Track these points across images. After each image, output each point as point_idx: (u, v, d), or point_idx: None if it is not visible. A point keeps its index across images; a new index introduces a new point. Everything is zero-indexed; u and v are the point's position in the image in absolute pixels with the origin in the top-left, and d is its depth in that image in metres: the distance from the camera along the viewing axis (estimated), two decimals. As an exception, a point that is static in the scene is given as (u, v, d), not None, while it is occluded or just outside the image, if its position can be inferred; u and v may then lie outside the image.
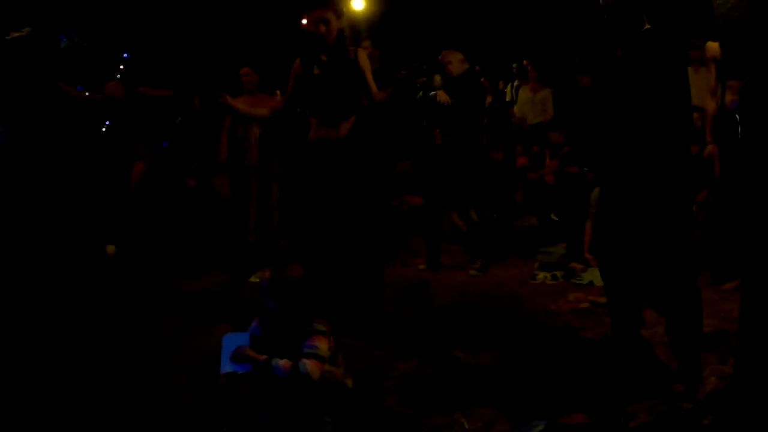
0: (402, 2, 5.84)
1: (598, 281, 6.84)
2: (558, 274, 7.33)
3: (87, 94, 10.46)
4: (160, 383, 5.10)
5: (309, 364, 3.81)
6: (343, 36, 5.90)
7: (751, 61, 3.68)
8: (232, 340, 4.11)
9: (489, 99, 13.47)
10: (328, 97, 5.91)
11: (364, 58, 5.94)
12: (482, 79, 14.19)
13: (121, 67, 28.23)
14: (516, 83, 13.78)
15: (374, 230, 6.06)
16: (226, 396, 4.73)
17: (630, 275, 4.56)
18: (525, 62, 12.85)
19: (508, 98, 14.11)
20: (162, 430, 4.45)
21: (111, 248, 6.68)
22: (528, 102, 12.33)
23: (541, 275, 7.37)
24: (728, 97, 6.58)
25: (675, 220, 4.34)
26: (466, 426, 4.17)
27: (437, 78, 8.57)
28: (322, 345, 3.92)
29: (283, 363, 3.84)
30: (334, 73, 5.89)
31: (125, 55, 26.71)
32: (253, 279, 7.87)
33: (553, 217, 9.23)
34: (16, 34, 5.22)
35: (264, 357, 3.90)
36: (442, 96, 7.97)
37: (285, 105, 6.48)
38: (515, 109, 12.71)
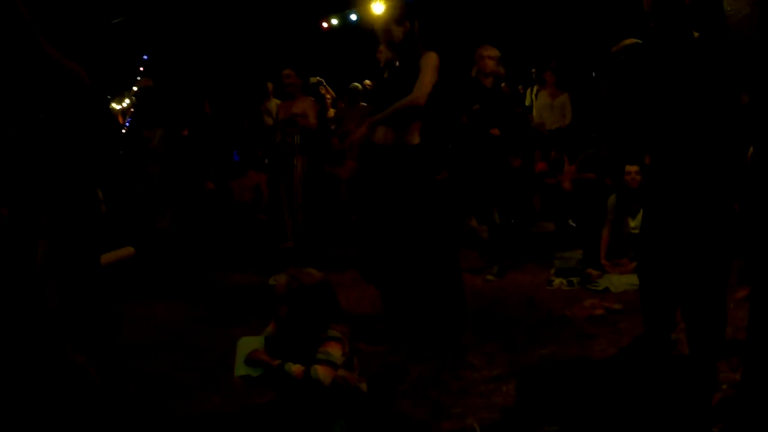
0: (421, 8, 5.87)
1: (614, 288, 6.90)
2: (574, 280, 7.33)
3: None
4: (170, 386, 5.17)
5: (320, 370, 3.83)
6: (412, 40, 5.78)
7: (760, 71, 3.70)
8: (247, 344, 4.14)
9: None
10: (390, 102, 5.75)
11: (426, 58, 5.75)
12: (503, 85, 14.22)
13: (141, 69, 28.39)
14: (535, 88, 13.78)
15: (449, 238, 5.99)
16: (239, 399, 4.79)
17: (669, 277, 4.57)
18: (551, 62, 12.85)
19: (527, 103, 14.12)
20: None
21: (129, 249, 6.74)
22: (546, 107, 12.33)
23: (557, 281, 7.37)
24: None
25: (720, 227, 4.36)
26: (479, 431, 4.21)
27: None
28: (335, 351, 3.93)
29: (295, 368, 3.86)
30: (400, 77, 5.78)
31: (145, 57, 26.88)
32: (271, 281, 7.90)
33: (571, 223, 9.25)
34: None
35: (277, 361, 3.92)
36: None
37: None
38: (533, 114, 12.72)
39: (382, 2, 13.53)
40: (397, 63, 5.87)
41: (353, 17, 16.33)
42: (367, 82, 11.45)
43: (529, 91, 14.40)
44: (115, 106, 34.64)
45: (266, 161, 11.34)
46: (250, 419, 4.51)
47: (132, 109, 25.94)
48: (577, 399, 4.51)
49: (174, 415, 4.71)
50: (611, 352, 5.38)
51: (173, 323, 6.77)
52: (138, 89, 9.66)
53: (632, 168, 7.56)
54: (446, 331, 5.70)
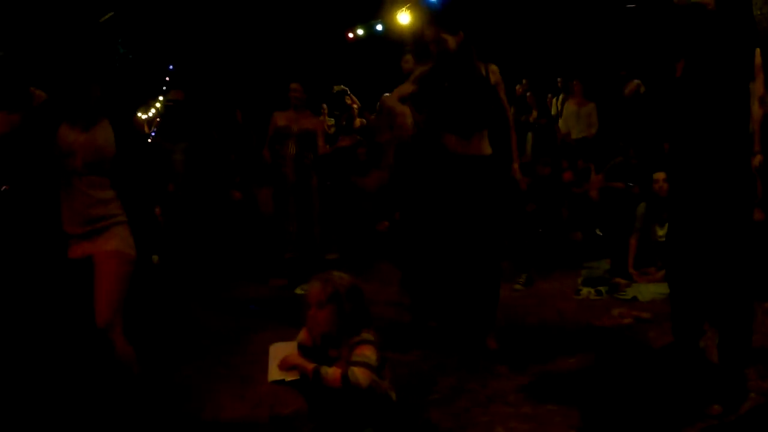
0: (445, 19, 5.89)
1: (642, 297, 6.88)
2: (602, 289, 7.30)
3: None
4: (198, 394, 5.20)
5: (359, 372, 3.79)
6: (468, 51, 5.72)
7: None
8: (280, 349, 4.12)
9: (534, 114, 13.47)
10: (460, 112, 5.71)
11: (495, 71, 5.82)
12: (528, 94, 14.21)
13: (167, 78, 28.51)
14: (561, 97, 13.77)
15: (499, 248, 6.01)
16: (266, 407, 4.81)
17: (698, 285, 4.57)
18: (578, 72, 12.86)
19: (553, 112, 14.10)
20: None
21: (154, 258, 6.77)
22: (573, 116, 12.33)
23: (585, 290, 7.35)
24: None
25: (740, 231, 4.36)
26: (508, 441, 4.21)
27: None
28: (371, 354, 3.90)
29: (332, 371, 3.83)
30: (463, 87, 5.71)
31: (170, 66, 26.97)
32: (298, 291, 7.92)
33: (598, 232, 9.22)
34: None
35: (312, 366, 3.89)
36: None
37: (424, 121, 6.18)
38: (560, 123, 12.71)
39: (409, 13, 13.52)
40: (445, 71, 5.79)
41: (379, 27, 16.32)
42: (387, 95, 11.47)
43: (554, 100, 14.39)
44: (141, 115, 34.85)
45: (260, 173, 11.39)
46: (279, 427, 4.55)
47: (158, 119, 26.07)
48: (605, 408, 4.50)
49: (203, 423, 4.74)
50: (640, 361, 5.35)
51: (198, 331, 6.80)
52: (167, 101, 9.64)
53: (660, 176, 7.54)
54: (476, 338, 5.69)
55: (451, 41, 5.71)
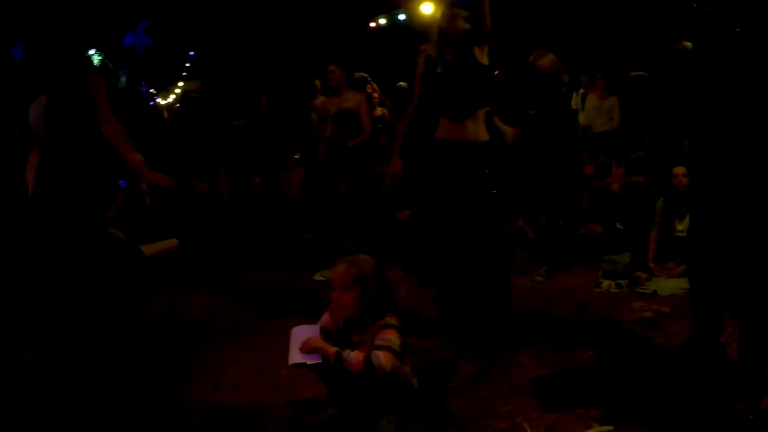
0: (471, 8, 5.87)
1: (662, 291, 6.87)
2: (622, 282, 7.29)
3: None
4: (218, 379, 5.21)
5: (382, 356, 3.81)
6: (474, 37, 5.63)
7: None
8: (302, 332, 4.15)
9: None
10: (455, 96, 5.65)
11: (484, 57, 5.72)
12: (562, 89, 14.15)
13: (188, 65, 28.58)
14: (581, 91, 13.73)
15: (502, 236, 5.99)
16: (284, 391, 4.84)
17: (719, 280, 4.56)
18: (604, 66, 12.79)
19: (573, 106, 14.05)
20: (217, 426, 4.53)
21: (174, 241, 6.78)
22: (595, 109, 12.28)
23: (605, 283, 7.34)
24: None
25: (764, 226, 4.34)
26: (528, 431, 4.21)
27: None
28: (395, 338, 3.92)
29: (354, 354, 3.85)
30: (462, 72, 5.65)
31: (191, 53, 27.02)
32: (317, 277, 7.93)
33: (618, 225, 9.20)
34: None
35: (335, 349, 3.90)
36: None
37: (416, 107, 6.07)
38: (581, 116, 12.67)
39: (432, 3, 13.48)
40: (449, 57, 5.72)
41: (401, 17, 16.30)
42: (402, 83, 11.45)
43: (575, 94, 14.35)
44: (161, 101, 34.98)
45: (297, 157, 11.41)
46: (297, 411, 4.56)
47: (176, 105, 26.11)
48: (626, 400, 4.50)
49: (220, 405, 4.76)
50: (660, 355, 5.35)
51: (216, 315, 6.83)
52: (185, 92, 9.60)
53: (679, 170, 7.51)
54: (494, 328, 5.69)
55: (462, 25, 5.64)
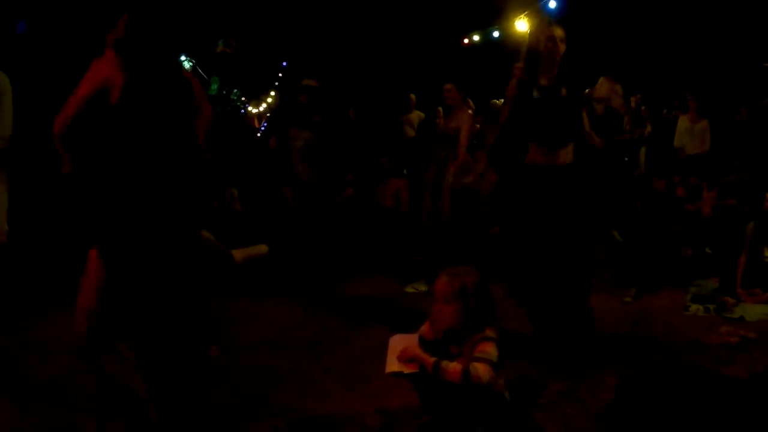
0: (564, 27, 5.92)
1: (749, 317, 6.87)
2: (710, 307, 7.33)
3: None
4: (307, 385, 5.35)
5: (480, 368, 3.82)
6: (571, 60, 5.70)
7: None
8: (400, 341, 4.16)
9: (649, 128, 13.43)
10: (551, 127, 5.71)
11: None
12: (643, 108, 14.17)
13: (280, 75, 28.84)
14: (672, 113, 13.72)
15: (588, 259, 6.06)
16: (373, 401, 4.91)
17: None
18: (693, 88, 12.77)
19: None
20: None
21: (264, 247, 6.90)
22: (687, 132, 12.26)
23: (693, 307, 7.37)
24: None
25: None
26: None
27: None
28: (493, 351, 3.94)
29: (453, 365, 3.87)
30: (558, 99, 5.69)
31: (284, 63, 27.30)
32: (409, 289, 8.07)
33: (708, 250, 9.19)
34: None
35: (433, 359, 3.93)
36: None
37: (504, 129, 6.10)
38: (674, 139, 12.66)
39: (527, 20, 13.48)
40: (545, 82, 5.77)
41: (496, 34, 16.35)
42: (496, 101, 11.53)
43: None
44: (252, 109, 35.43)
45: (405, 171, 11.57)
46: (385, 420, 4.64)
47: (268, 114, 26.33)
48: (713, 424, 4.55)
49: (307, 410, 4.87)
50: (746, 380, 5.35)
51: (305, 324, 6.98)
52: (302, 86, 9.57)
53: (771, 195, 7.52)
54: (576, 346, 5.80)
55: (560, 44, 5.67)
